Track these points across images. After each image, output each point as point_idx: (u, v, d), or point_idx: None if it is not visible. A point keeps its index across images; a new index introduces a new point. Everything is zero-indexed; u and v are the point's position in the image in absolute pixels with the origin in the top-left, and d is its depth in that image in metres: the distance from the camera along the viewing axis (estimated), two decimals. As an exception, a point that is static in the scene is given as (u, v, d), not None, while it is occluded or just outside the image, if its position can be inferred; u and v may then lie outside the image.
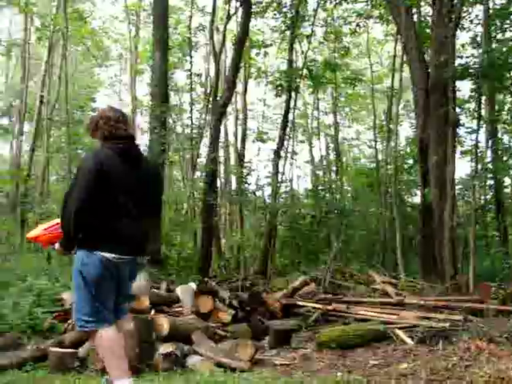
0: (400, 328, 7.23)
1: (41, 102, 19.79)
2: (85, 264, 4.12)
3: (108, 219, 4.13)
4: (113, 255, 4.12)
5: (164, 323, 6.22)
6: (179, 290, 7.62)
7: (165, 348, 5.97)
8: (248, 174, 15.41)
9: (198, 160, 17.49)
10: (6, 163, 27.87)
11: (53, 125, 20.76)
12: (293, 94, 18.58)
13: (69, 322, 7.24)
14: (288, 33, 19.11)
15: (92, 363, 5.94)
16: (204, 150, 18.20)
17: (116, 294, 4.31)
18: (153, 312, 6.62)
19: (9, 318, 8.29)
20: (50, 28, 19.65)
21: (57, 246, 4.35)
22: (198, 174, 17.15)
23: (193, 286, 7.83)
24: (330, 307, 8.68)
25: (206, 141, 17.62)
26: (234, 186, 22.21)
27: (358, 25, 19.21)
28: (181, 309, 7.22)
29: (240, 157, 20.08)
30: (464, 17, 14.54)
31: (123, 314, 4.51)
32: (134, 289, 5.87)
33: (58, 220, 4.29)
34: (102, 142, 4.33)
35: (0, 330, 8.20)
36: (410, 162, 19.55)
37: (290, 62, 19.07)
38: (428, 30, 14.85)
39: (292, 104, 18.86)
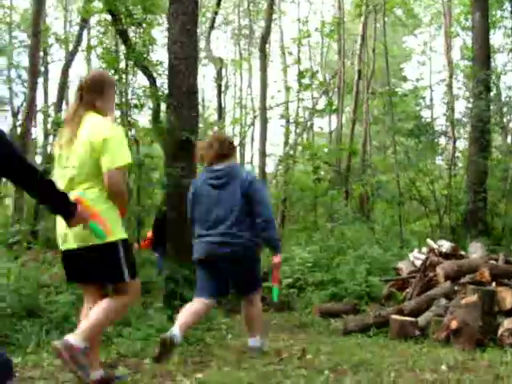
0: None
1: (358, 76, 20.40)
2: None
3: None
4: None
5: (507, 296, 5.94)
6: (519, 263, 7.21)
7: (509, 322, 5.71)
8: None
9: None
10: (323, 137, 29.51)
11: (370, 97, 21.23)
12: None
13: (407, 290, 7.39)
14: None
15: (433, 333, 5.96)
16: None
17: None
18: (493, 284, 6.38)
19: (346, 285, 8.82)
20: (366, 2, 20.09)
21: None
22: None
23: (533, 258, 7.34)
24: None
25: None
26: None
27: None
28: (521, 282, 6.82)
29: None
30: None
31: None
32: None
33: None
34: None
35: (338, 296, 8.80)
36: None
37: None
38: None
39: None
